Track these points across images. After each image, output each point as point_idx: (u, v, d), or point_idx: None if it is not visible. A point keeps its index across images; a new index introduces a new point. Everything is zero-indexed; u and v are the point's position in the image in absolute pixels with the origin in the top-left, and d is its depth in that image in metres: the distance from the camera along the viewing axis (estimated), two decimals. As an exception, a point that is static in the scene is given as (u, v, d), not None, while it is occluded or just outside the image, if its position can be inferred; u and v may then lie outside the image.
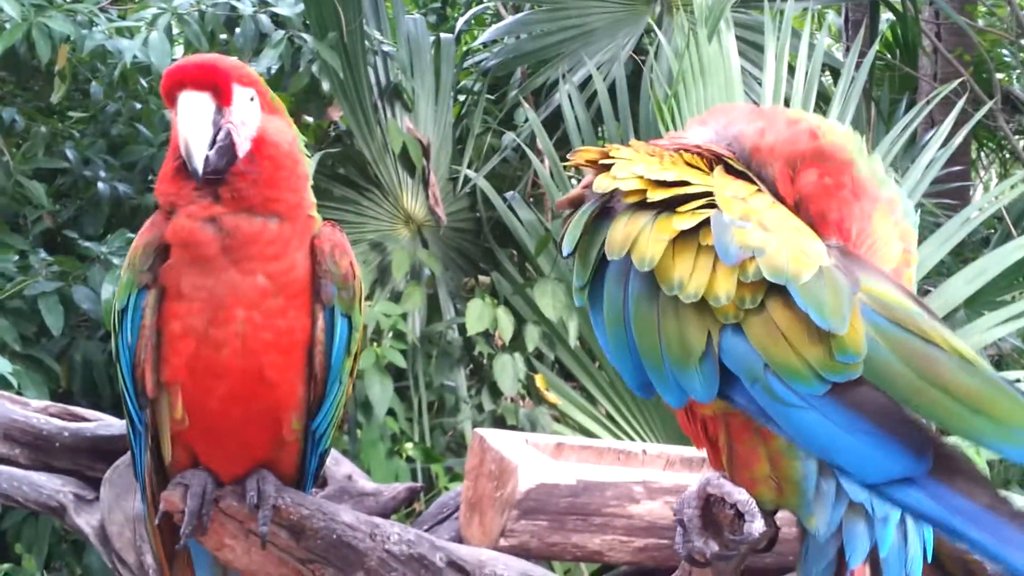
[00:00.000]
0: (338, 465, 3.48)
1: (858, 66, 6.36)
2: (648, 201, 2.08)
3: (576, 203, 2.21)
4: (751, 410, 2.02)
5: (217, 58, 2.50)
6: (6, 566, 5.52)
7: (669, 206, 2.07)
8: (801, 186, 2.15)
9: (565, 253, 2.15)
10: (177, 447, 2.58)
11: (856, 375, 1.95)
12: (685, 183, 2.09)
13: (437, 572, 2.66)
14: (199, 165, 2.38)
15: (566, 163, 2.39)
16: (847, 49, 8.37)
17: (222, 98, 2.42)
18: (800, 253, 2.01)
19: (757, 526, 2.02)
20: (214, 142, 2.41)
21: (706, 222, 2.03)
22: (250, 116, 2.46)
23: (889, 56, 9.28)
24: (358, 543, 2.60)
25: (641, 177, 2.10)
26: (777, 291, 1.98)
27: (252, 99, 2.47)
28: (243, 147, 2.44)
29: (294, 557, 2.60)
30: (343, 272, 2.56)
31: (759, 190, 2.12)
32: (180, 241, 2.45)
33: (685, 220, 2.04)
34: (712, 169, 2.15)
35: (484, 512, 3.11)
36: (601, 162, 2.20)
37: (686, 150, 2.19)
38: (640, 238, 2.05)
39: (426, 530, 3.35)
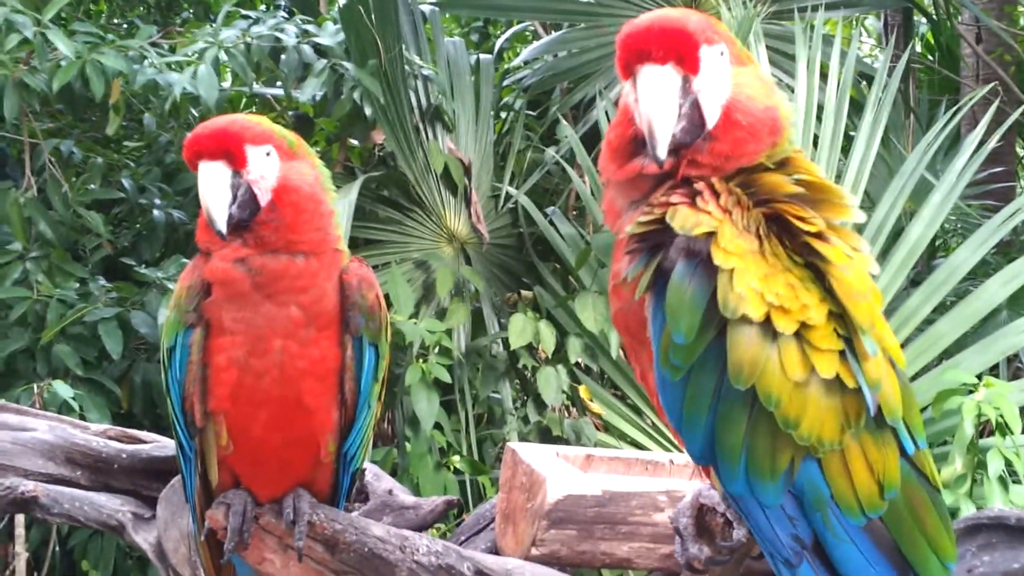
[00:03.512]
0: (379, 481, 3.62)
1: (891, 71, 6.42)
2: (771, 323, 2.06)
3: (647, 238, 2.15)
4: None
5: (229, 124, 2.63)
6: (74, 582, 5.74)
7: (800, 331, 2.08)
8: None
9: (679, 341, 2.06)
10: (221, 470, 2.77)
11: (883, 512, 2.12)
12: (804, 305, 2.09)
13: (465, 581, 2.81)
14: (221, 228, 2.57)
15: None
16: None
17: (236, 163, 2.59)
18: (894, 381, 2.15)
19: (742, 532, 2.16)
20: (235, 198, 2.58)
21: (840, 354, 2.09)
22: (268, 169, 2.62)
23: (931, 59, 9.29)
24: (389, 555, 2.76)
25: (760, 294, 2.06)
26: (869, 429, 2.11)
27: (268, 153, 2.63)
28: (264, 198, 2.61)
29: (329, 569, 2.76)
30: (370, 304, 2.73)
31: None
32: (217, 280, 2.64)
33: (820, 359, 2.07)
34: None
35: (517, 523, 3.23)
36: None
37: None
38: (767, 371, 2.04)
39: (464, 540, 3.49)
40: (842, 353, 2.08)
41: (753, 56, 2.32)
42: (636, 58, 2.13)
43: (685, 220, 2.08)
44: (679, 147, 2.15)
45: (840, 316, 2.10)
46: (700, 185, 2.13)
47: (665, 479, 3.41)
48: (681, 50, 2.12)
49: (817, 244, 2.11)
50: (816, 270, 2.12)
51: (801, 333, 2.06)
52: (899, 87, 6.78)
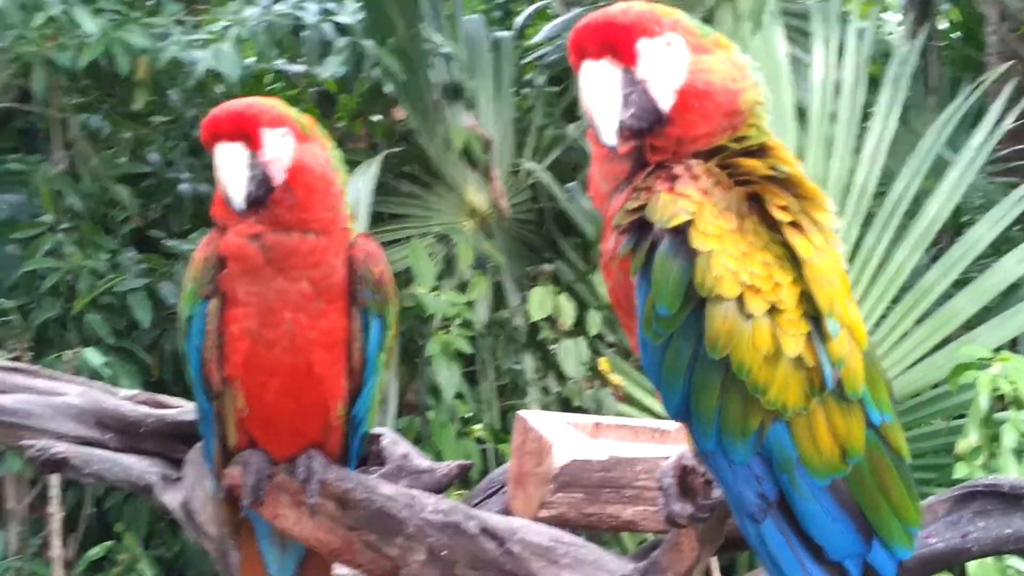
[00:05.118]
0: (396, 445, 3.70)
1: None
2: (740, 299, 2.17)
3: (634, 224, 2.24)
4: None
5: (246, 107, 2.76)
6: (108, 544, 5.88)
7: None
8: None
9: (662, 312, 2.17)
10: (238, 432, 2.91)
11: (846, 474, 2.23)
12: (776, 284, 2.19)
13: (471, 538, 2.90)
14: (239, 206, 2.71)
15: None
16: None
17: (253, 144, 2.71)
18: (858, 359, 2.25)
19: (721, 491, 2.27)
20: (251, 179, 2.71)
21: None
22: (283, 151, 2.74)
23: (954, 37, 9.26)
24: (397, 512, 2.88)
25: (734, 273, 2.16)
26: (835, 398, 2.22)
27: (284, 135, 2.74)
28: (278, 178, 2.73)
29: (340, 525, 2.89)
30: (376, 278, 2.86)
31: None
32: (231, 255, 2.78)
33: (786, 339, 2.18)
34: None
35: (527, 486, 3.33)
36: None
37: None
38: (740, 344, 2.16)
39: (477, 502, 3.59)
40: (809, 333, 2.19)
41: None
42: (578, 55, 2.28)
43: (663, 210, 2.18)
44: (640, 133, 2.26)
45: (811, 296, 2.20)
46: (679, 169, 2.23)
47: (670, 446, 3.49)
48: (615, 44, 2.24)
49: (791, 233, 2.21)
50: (791, 249, 2.22)
51: (771, 313, 2.17)
52: (919, 65, 6.80)
